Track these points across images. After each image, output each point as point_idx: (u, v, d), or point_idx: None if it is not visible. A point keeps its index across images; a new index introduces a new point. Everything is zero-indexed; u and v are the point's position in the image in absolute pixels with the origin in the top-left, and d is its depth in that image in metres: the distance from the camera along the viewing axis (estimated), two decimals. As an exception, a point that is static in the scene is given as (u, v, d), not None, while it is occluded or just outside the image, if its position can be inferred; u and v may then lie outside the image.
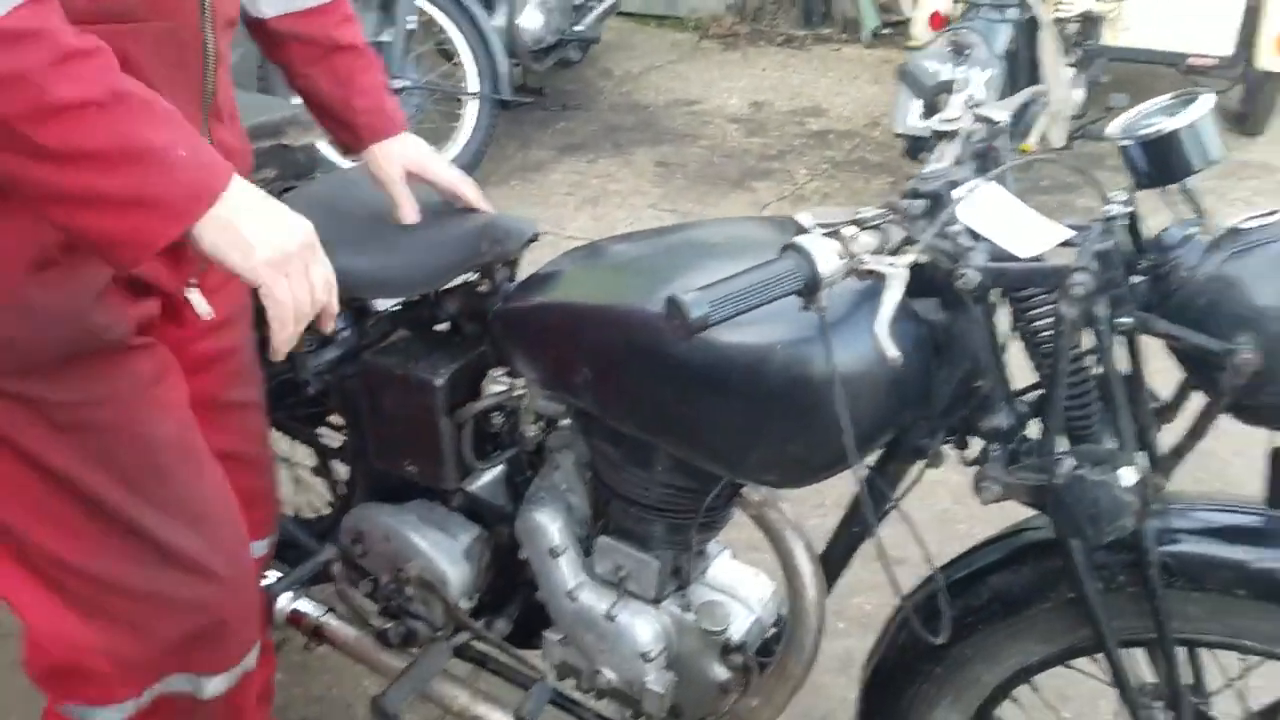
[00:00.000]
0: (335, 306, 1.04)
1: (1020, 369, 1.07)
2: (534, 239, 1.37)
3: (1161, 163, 0.99)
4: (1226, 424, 1.02)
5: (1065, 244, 0.98)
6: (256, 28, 1.33)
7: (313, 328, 1.04)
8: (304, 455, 1.80)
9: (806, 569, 1.24)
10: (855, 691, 1.31)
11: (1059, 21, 3.50)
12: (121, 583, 1.14)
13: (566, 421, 1.33)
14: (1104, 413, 1.03)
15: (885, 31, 5.42)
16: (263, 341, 1.40)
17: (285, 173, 1.58)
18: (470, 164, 3.79)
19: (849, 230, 0.94)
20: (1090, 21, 3.71)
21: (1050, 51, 3.37)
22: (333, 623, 1.58)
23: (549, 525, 1.34)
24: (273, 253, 0.96)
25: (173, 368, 1.15)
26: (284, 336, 1.00)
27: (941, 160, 1.08)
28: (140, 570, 1.15)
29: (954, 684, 1.21)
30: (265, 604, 1.50)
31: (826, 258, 0.91)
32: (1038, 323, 1.02)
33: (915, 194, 1.01)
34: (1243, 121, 4.09)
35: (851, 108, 4.68)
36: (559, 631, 1.38)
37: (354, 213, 1.42)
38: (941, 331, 1.06)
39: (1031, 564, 1.14)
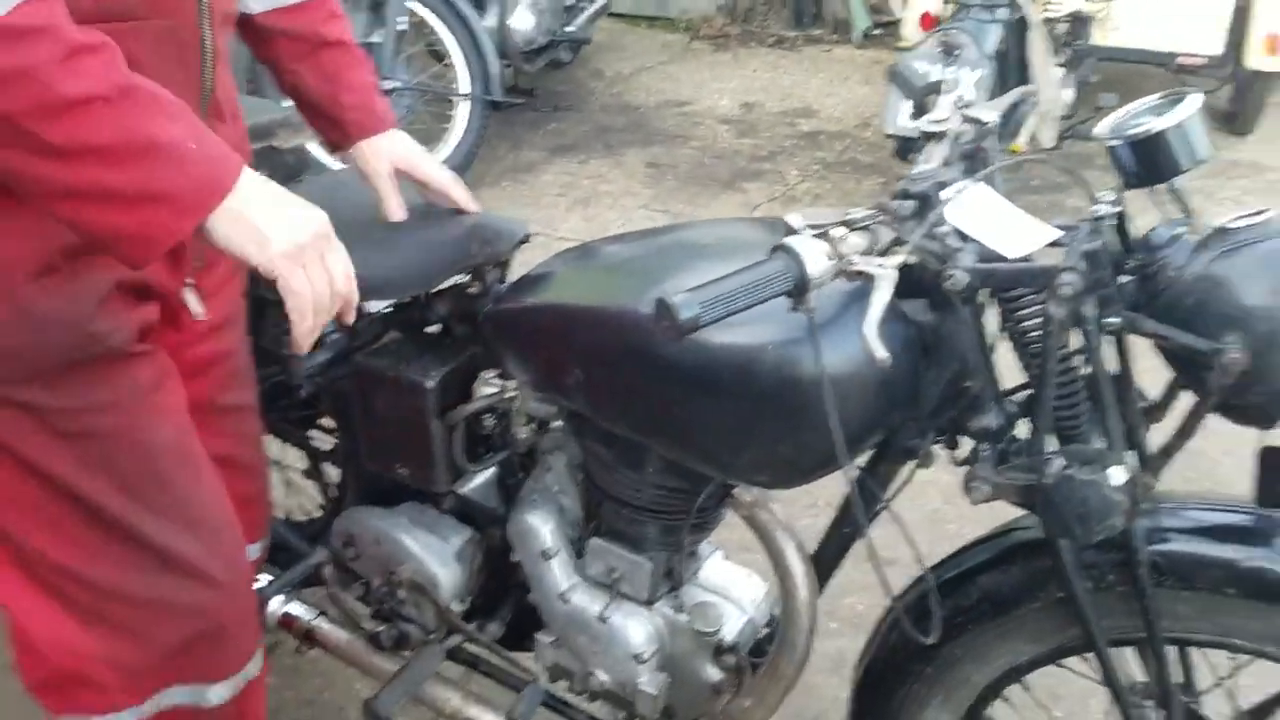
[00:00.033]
0: (356, 296, 1.03)
1: (1010, 369, 1.07)
2: (525, 240, 1.36)
3: (1149, 163, 1.00)
4: (1216, 423, 1.02)
5: (1053, 244, 0.98)
6: (244, 24, 1.32)
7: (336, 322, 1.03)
8: (295, 458, 1.80)
9: (798, 569, 1.24)
10: (848, 691, 1.31)
11: (1048, 21, 3.51)
12: (121, 589, 1.14)
13: (558, 423, 1.33)
14: (1093, 412, 1.03)
15: (876, 32, 5.43)
16: (274, 338, 1.40)
17: (275, 175, 1.57)
18: (462, 165, 3.79)
19: (838, 231, 0.95)
20: (1079, 21, 3.72)
21: (1040, 51, 3.38)
22: (324, 626, 1.58)
23: (541, 527, 1.34)
24: (288, 244, 0.95)
25: (171, 373, 1.15)
26: (305, 328, 0.99)
27: (930, 161, 1.08)
28: (140, 576, 1.15)
29: (945, 684, 1.21)
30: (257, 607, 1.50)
31: (815, 259, 0.92)
32: (1026, 323, 1.02)
33: (904, 195, 1.01)
34: (1232, 121, 4.10)
35: (842, 109, 4.69)
36: (551, 633, 1.38)
37: (344, 215, 1.40)
38: (930, 332, 1.06)
39: (1021, 564, 1.14)
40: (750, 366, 1.05)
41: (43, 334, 1.02)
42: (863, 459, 1.17)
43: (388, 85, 3.60)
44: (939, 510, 2.12)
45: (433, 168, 1.40)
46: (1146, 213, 1.05)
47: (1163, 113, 1.01)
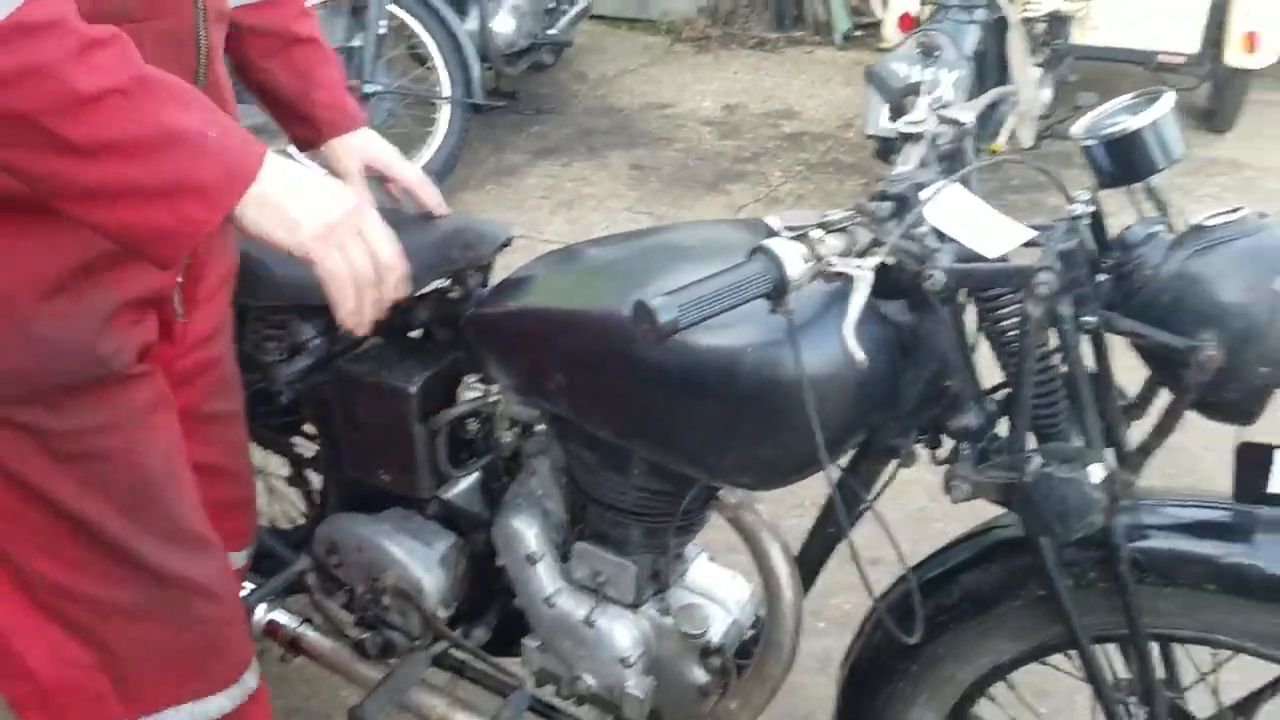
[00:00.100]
0: (403, 267, 1.01)
1: (991, 368, 1.08)
2: (506, 244, 1.36)
3: (1125, 162, 1.00)
4: (1196, 419, 1.03)
5: (1030, 244, 0.99)
6: None
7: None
8: (278, 465, 1.79)
9: (783, 570, 1.24)
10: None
11: (1027, 21, 3.52)
12: (121, 607, 1.14)
13: (541, 427, 1.32)
14: (1071, 411, 1.03)
15: (857, 34, 5.45)
16: (255, 344, 1.39)
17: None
18: (444, 168, 3.78)
19: (816, 233, 0.95)
20: (1058, 21, 3.74)
21: (1018, 51, 3.40)
22: (309, 634, 1.57)
23: (526, 531, 1.34)
24: (319, 225, 0.94)
25: (166, 395, 1.15)
26: (348, 308, 0.98)
27: (907, 163, 1.08)
28: (140, 593, 1.15)
29: (929, 682, 1.21)
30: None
31: (793, 261, 0.92)
32: (1004, 322, 1.03)
33: (882, 196, 1.01)
34: (1211, 118, 4.13)
35: (824, 110, 4.70)
36: (537, 638, 1.38)
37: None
38: (910, 332, 1.06)
39: (1002, 562, 1.15)
40: (731, 368, 1.05)
41: (49, 356, 1.01)
42: (845, 459, 1.18)
43: (369, 89, 3.59)
44: (924, 509, 2.12)
45: (404, 167, 1.40)
46: (1124, 211, 1.06)
47: (1138, 112, 1.01)
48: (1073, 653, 1.15)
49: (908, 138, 1.12)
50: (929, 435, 1.13)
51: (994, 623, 1.15)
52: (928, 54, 3.11)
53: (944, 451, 1.12)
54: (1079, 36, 3.81)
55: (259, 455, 1.73)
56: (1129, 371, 1.06)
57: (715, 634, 1.30)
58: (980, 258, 0.99)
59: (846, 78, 5.03)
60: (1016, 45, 3.39)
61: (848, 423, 1.08)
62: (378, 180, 1.41)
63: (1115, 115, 1.03)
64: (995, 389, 1.10)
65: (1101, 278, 1.01)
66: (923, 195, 1.01)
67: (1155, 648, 1.15)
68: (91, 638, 1.15)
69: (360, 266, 0.97)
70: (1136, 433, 1.07)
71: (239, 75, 1.37)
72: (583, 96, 4.92)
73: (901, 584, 1.18)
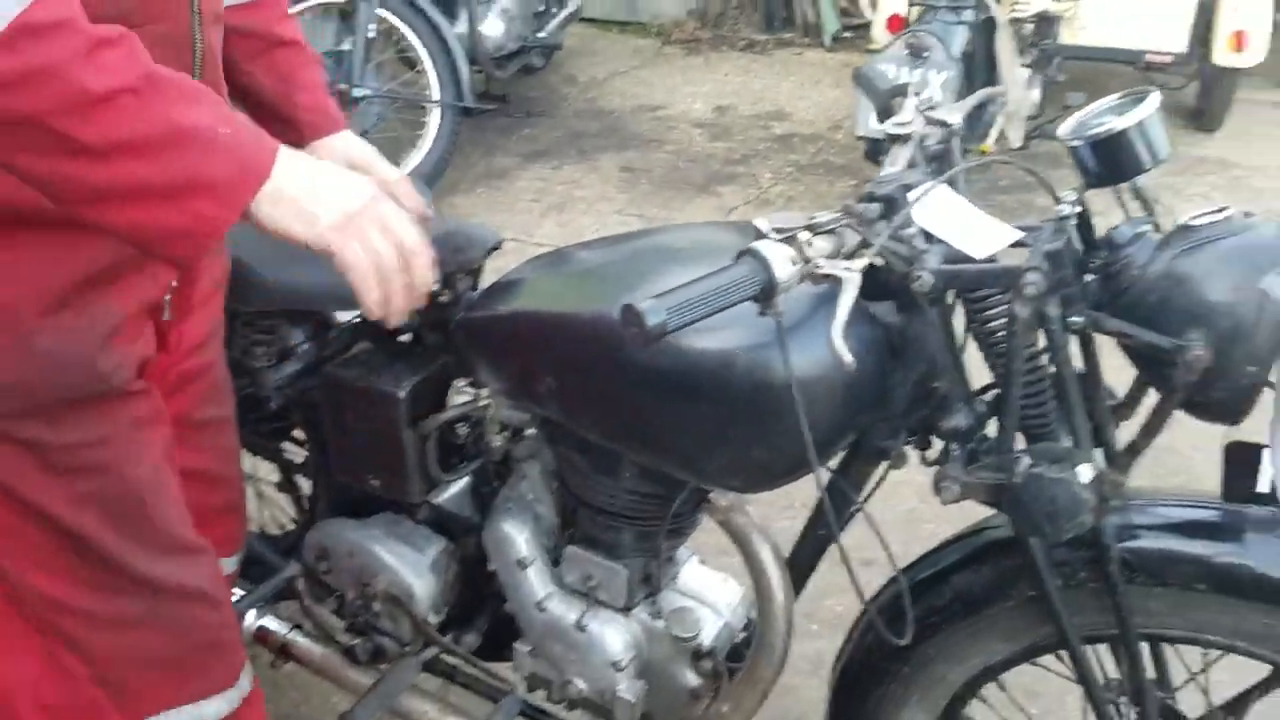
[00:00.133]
0: (430, 253, 0.99)
1: (980, 369, 1.08)
2: (497, 247, 1.36)
3: (1111, 162, 1.00)
4: (1185, 419, 1.03)
5: (1018, 244, 0.99)
6: None
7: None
8: (267, 470, 1.78)
9: (774, 573, 1.24)
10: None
11: (1015, 22, 3.54)
12: (116, 618, 1.14)
13: (532, 431, 1.32)
14: (1060, 411, 1.04)
15: (846, 35, 5.46)
16: (243, 349, 1.38)
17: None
18: (434, 172, 3.78)
19: (804, 235, 0.95)
20: (1046, 21, 3.75)
21: (1007, 52, 3.41)
22: (299, 640, 1.56)
23: (516, 536, 1.33)
24: (337, 216, 0.92)
25: (160, 409, 1.15)
26: (373, 299, 0.96)
27: (895, 164, 1.08)
28: (135, 603, 1.15)
29: (920, 684, 1.21)
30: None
31: (781, 263, 0.92)
32: (992, 323, 1.03)
33: (870, 198, 1.01)
34: (1199, 117, 4.15)
35: (814, 111, 4.70)
36: (529, 643, 1.37)
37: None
38: (898, 334, 1.06)
39: (992, 563, 1.15)
40: (720, 371, 1.05)
41: (51, 371, 1.01)
42: (835, 461, 1.17)
43: (358, 93, 3.58)
44: (915, 510, 2.12)
45: (385, 169, 1.39)
46: (1111, 211, 1.06)
47: (1124, 112, 1.01)
48: (1063, 653, 1.15)
49: (895, 139, 1.13)
50: (918, 436, 1.13)
51: (985, 624, 1.15)
52: (916, 55, 3.12)
53: (934, 453, 1.12)
54: (1067, 36, 3.82)
55: (248, 461, 1.72)
56: (1117, 371, 1.06)
57: (707, 637, 1.30)
58: (968, 258, 0.99)
59: (836, 79, 5.03)
60: (1005, 46, 3.40)
61: (837, 424, 1.08)
62: None
63: (1101, 116, 1.03)
64: (984, 390, 1.10)
65: (1089, 278, 1.01)
66: (910, 196, 1.01)
67: (1145, 648, 1.15)
68: (86, 650, 1.15)
69: (384, 255, 0.95)
70: (1125, 433, 1.07)
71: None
72: (573, 99, 4.92)
73: (892, 586, 1.18)
